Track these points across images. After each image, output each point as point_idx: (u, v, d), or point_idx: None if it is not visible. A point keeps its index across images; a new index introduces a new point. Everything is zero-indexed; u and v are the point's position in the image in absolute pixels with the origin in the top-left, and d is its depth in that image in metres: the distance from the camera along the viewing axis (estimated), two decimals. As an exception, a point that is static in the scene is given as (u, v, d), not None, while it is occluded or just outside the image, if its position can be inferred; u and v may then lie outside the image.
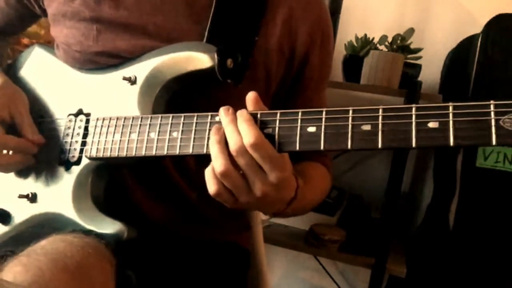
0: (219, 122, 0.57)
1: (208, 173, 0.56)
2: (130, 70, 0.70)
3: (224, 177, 0.54)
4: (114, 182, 0.71)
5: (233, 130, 0.54)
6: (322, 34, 0.77)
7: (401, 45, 1.42)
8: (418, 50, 1.44)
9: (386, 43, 1.44)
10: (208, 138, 0.58)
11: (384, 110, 0.49)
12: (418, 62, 1.46)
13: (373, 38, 1.47)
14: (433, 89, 1.55)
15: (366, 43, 1.46)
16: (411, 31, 1.43)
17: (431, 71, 1.54)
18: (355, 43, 1.49)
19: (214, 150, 0.54)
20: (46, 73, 0.79)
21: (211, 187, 0.55)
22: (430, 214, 1.52)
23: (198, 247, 0.78)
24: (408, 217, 1.62)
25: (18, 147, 0.70)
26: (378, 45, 1.45)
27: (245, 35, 0.71)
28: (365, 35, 1.48)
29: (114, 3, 0.72)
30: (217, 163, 0.54)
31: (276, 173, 0.53)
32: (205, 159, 0.72)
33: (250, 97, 0.56)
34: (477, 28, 1.40)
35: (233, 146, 0.53)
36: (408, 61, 1.44)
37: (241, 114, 0.55)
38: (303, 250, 1.50)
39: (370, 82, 1.39)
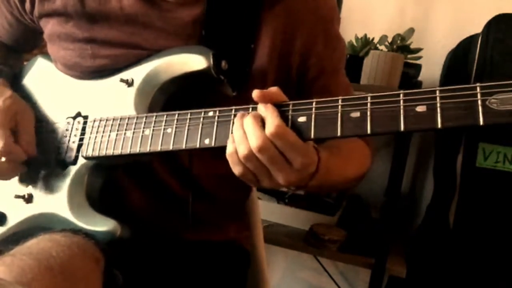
0: (212, 117, 0.59)
1: (231, 156, 0.56)
2: (127, 73, 0.71)
3: (247, 160, 0.54)
4: (110, 183, 0.71)
5: (254, 125, 0.53)
6: (325, 24, 0.75)
7: (401, 45, 1.42)
8: (418, 50, 1.44)
9: (386, 43, 1.44)
10: (202, 132, 0.59)
11: (372, 97, 0.51)
12: (418, 62, 1.46)
13: (373, 38, 1.47)
14: (433, 89, 1.54)
15: (366, 43, 1.46)
16: (411, 31, 1.43)
17: (431, 71, 1.54)
18: (355, 43, 1.49)
19: (238, 135, 0.54)
20: (47, 81, 0.80)
21: (235, 168, 0.56)
22: (430, 214, 1.52)
23: (197, 247, 0.79)
24: (408, 217, 1.62)
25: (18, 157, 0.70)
26: (378, 45, 1.45)
27: (240, 44, 0.71)
28: (365, 35, 1.48)
29: (106, 24, 0.72)
30: (241, 148, 0.54)
31: (300, 160, 0.53)
32: (199, 159, 0.73)
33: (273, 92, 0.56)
34: (477, 28, 1.40)
35: (254, 142, 0.52)
36: (408, 61, 1.44)
37: (260, 107, 0.55)
38: (303, 250, 1.50)
39: (370, 82, 1.39)
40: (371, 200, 1.58)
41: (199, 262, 0.78)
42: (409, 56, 1.44)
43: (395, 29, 1.49)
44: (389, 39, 1.44)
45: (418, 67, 1.45)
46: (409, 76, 1.42)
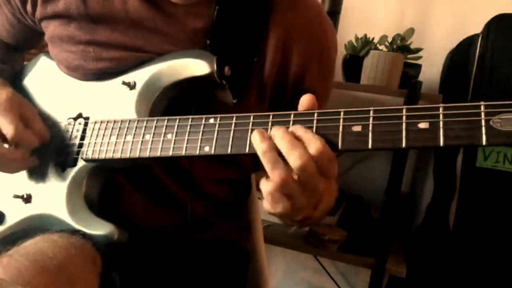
0: (213, 125, 0.58)
1: (269, 191, 0.51)
2: (130, 76, 0.71)
3: (285, 186, 0.50)
4: (110, 185, 0.71)
5: (293, 142, 0.50)
6: (322, 52, 0.75)
7: (401, 45, 1.42)
8: (418, 50, 1.44)
9: (386, 43, 1.44)
10: (202, 139, 0.58)
11: (375, 111, 0.50)
12: (418, 62, 1.46)
13: (373, 38, 1.47)
14: (433, 89, 1.55)
15: (366, 43, 1.46)
16: (411, 31, 1.43)
17: (431, 71, 1.54)
18: (355, 43, 1.49)
19: (271, 159, 0.51)
20: (49, 80, 0.80)
21: (276, 206, 0.51)
22: (430, 214, 1.52)
23: (196, 247, 0.79)
24: (408, 217, 1.62)
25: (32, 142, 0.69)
26: (378, 45, 1.45)
27: (243, 56, 0.71)
28: (365, 35, 1.48)
29: (109, 26, 0.72)
30: (276, 173, 0.50)
31: (335, 169, 0.52)
32: (199, 163, 0.71)
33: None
34: (477, 28, 1.40)
35: (298, 159, 0.49)
36: (408, 61, 1.44)
37: (297, 127, 0.53)
38: (303, 250, 1.50)
39: (370, 82, 1.39)
40: (371, 200, 1.58)
41: (198, 262, 0.78)
42: (409, 56, 1.44)
43: (395, 29, 1.49)
44: (389, 39, 1.44)
45: (418, 67, 1.45)
46: (409, 76, 1.42)
